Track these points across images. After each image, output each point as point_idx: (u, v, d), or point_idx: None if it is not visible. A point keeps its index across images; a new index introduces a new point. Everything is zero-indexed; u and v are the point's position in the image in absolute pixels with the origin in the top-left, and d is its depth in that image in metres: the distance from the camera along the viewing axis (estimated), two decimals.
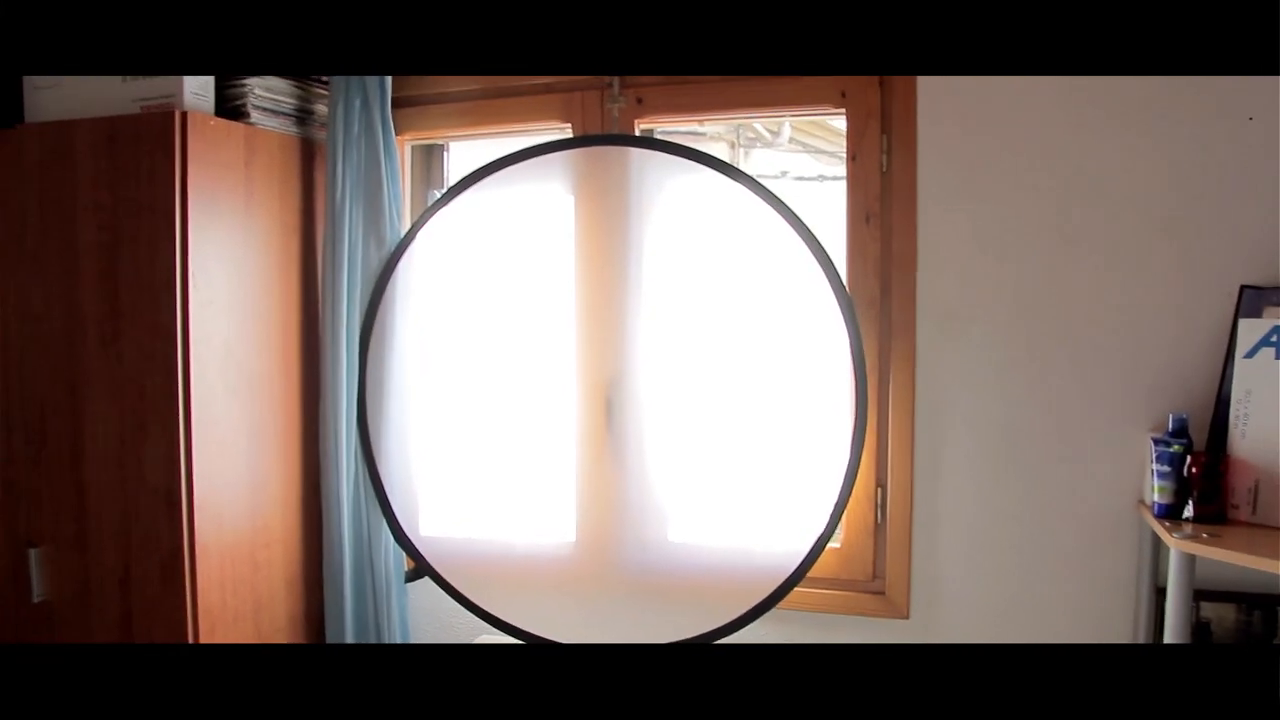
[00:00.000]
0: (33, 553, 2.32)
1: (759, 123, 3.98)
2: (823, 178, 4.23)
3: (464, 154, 2.92)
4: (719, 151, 3.79)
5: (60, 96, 2.32)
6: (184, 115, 2.19)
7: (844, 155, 2.40)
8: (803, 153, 4.25)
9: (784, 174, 4.20)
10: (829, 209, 2.50)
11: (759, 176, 2.37)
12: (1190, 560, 1.85)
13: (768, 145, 4.18)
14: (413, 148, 2.85)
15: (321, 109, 2.60)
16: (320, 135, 2.60)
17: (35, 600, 2.32)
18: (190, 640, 2.23)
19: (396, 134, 2.55)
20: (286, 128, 2.52)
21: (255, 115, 2.41)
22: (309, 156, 2.58)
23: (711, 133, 3.79)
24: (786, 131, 4.07)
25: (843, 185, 2.40)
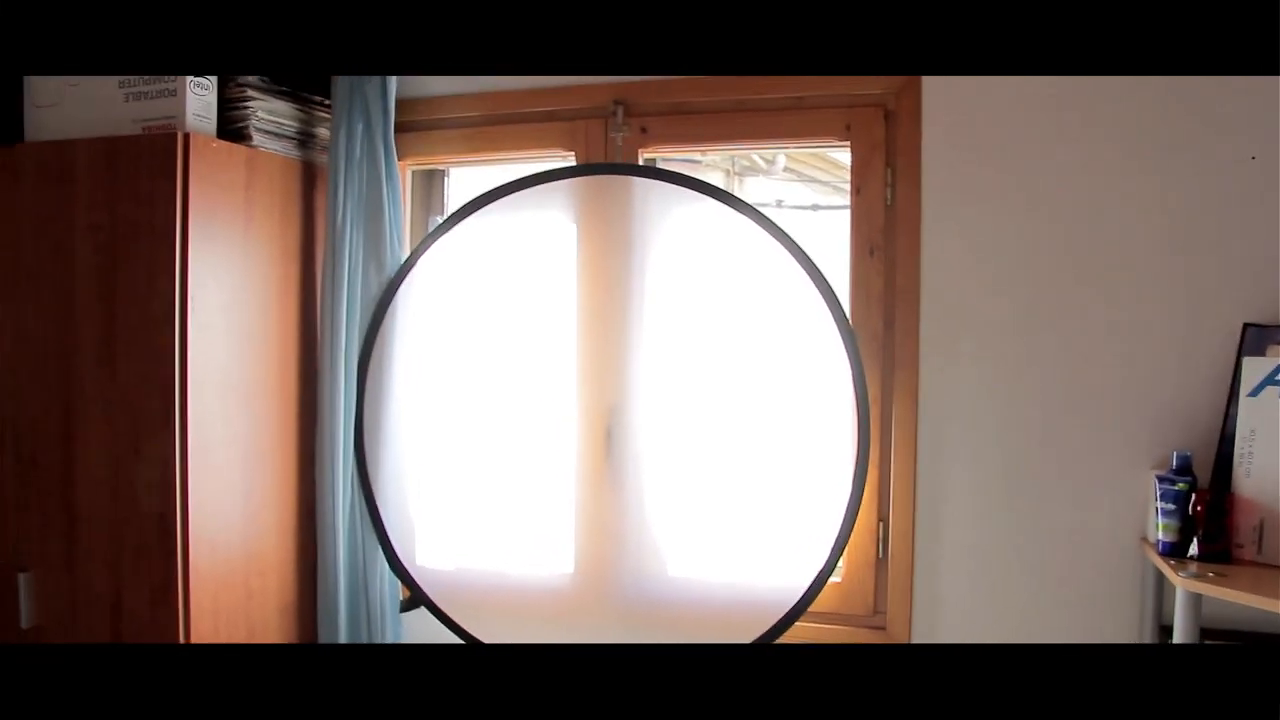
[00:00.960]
0: (22, 577, 2.28)
1: (755, 152, 3.99)
2: (817, 206, 4.24)
3: (465, 180, 2.91)
4: (715, 179, 3.78)
5: (61, 115, 2.30)
6: (186, 136, 2.18)
7: (838, 184, 2.41)
8: (797, 181, 4.26)
9: (779, 203, 4.21)
10: (823, 238, 2.50)
11: (756, 206, 2.37)
12: (1197, 599, 1.83)
13: (763, 174, 4.18)
14: (414, 173, 2.84)
15: (323, 132, 2.59)
16: (322, 159, 2.59)
17: (25, 626, 2.28)
18: None
19: (398, 159, 2.54)
20: (288, 151, 2.51)
21: (257, 138, 2.40)
22: (310, 180, 2.56)
23: (708, 161, 3.80)
24: (781, 160, 4.08)
25: (837, 214, 2.40)
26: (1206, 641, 2.04)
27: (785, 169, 4.14)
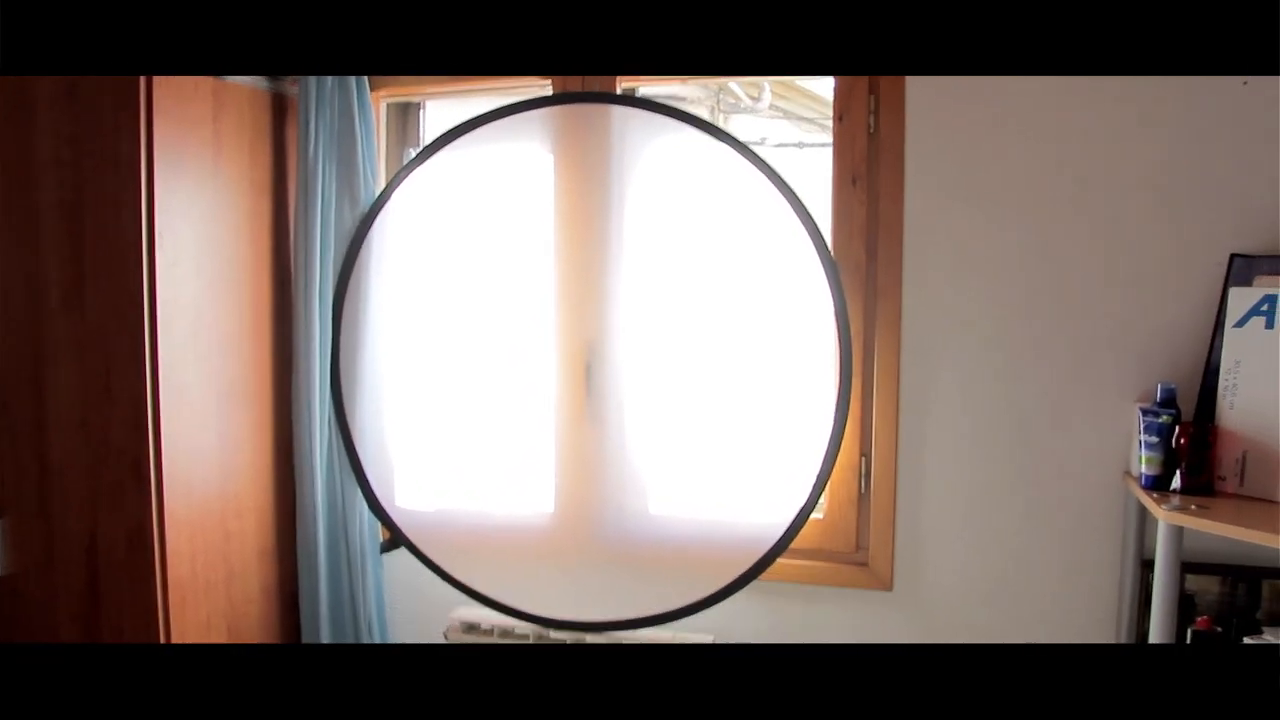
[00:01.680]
0: None
1: (738, 88, 3.92)
2: (802, 144, 4.20)
3: (441, 112, 2.85)
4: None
5: None
6: None
7: (824, 122, 2.36)
8: (782, 119, 4.21)
9: (763, 140, 4.16)
10: (809, 175, 2.45)
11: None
12: (1178, 532, 1.82)
13: (748, 111, 4.12)
14: (388, 105, 2.77)
15: None
16: (292, 90, 2.52)
17: (0, 573, 2.25)
18: (160, 610, 2.18)
19: (371, 90, 2.49)
20: (256, 82, 2.44)
21: None
22: (280, 112, 2.50)
23: (691, 97, 3.74)
24: (767, 97, 4.02)
25: (823, 152, 2.35)
26: (1187, 574, 2.04)
27: (770, 106, 4.08)
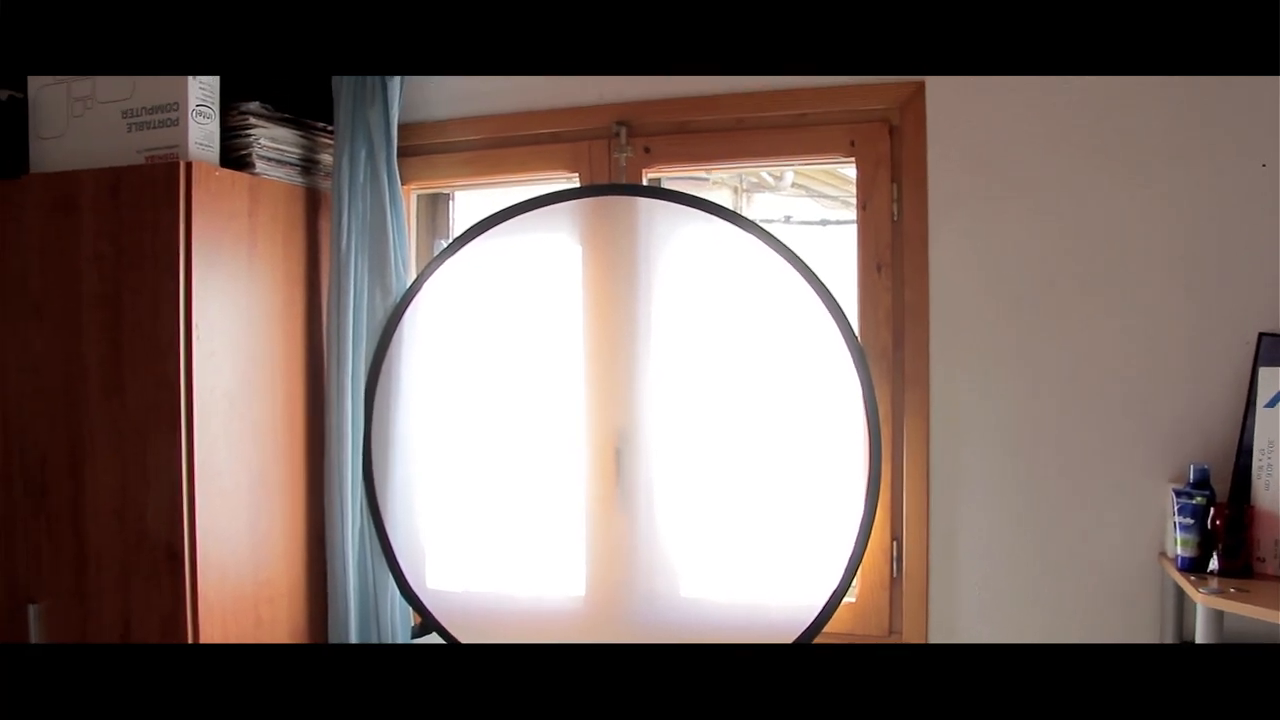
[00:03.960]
0: (32, 609, 2.27)
1: (761, 169, 3.98)
2: (825, 222, 4.24)
3: (469, 203, 2.91)
4: (722, 196, 3.80)
5: (64, 147, 2.32)
6: (188, 165, 2.18)
7: (847, 199, 2.39)
8: (805, 197, 4.26)
9: (788, 219, 4.21)
10: (833, 253, 2.48)
11: (762, 221, 2.36)
12: (1219, 616, 1.80)
13: (771, 190, 4.18)
14: (418, 197, 2.83)
15: (326, 158, 2.59)
16: (325, 184, 2.58)
17: None
18: None
19: (402, 183, 2.54)
20: (291, 177, 2.51)
21: (260, 165, 2.40)
22: (314, 206, 2.56)
23: (715, 178, 3.79)
24: (789, 176, 4.07)
25: (846, 229, 2.38)
26: None
27: (793, 184, 4.14)
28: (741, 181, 4.05)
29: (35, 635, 2.27)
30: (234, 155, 2.37)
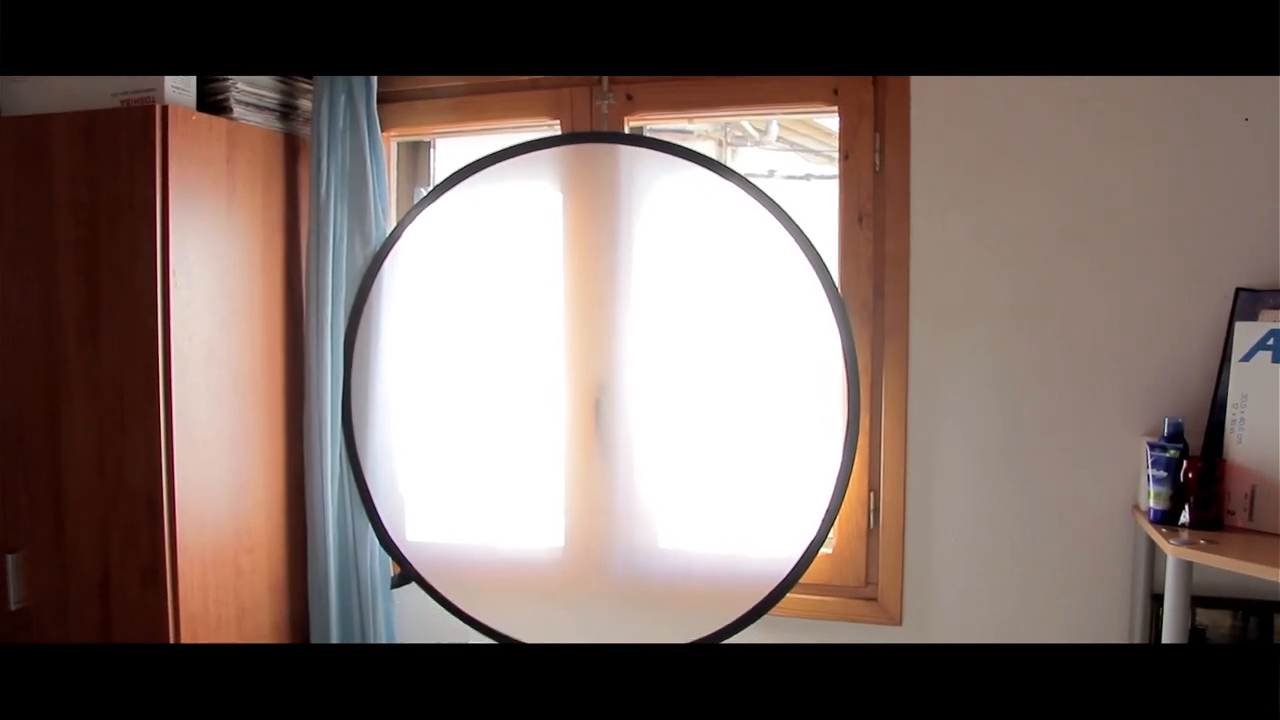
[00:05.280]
0: (10, 558, 2.27)
1: (747, 121, 3.95)
2: (810, 176, 4.21)
3: (450, 151, 2.88)
4: (707, 150, 3.76)
5: (37, 89, 2.26)
6: (164, 109, 2.15)
7: (832, 154, 2.38)
8: (790, 151, 4.23)
9: (771, 173, 4.18)
10: (817, 208, 2.47)
11: (747, 175, 2.34)
12: (1188, 567, 1.82)
13: (756, 144, 4.15)
14: (398, 144, 2.81)
15: (305, 104, 2.56)
16: (304, 131, 2.55)
17: (13, 607, 2.27)
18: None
19: (382, 130, 2.51)
20: (270, 123, 2.47)
21: (238, 110, 2.36)
22: (293, 152, 2.53)
23: (699, 131, 3.76)
24: (774, 130, 4.05)
25: (830, 184, 2.38)
26: (1198, 608, 2.04)
27: (778, 139, 4.11)
28: (726, 135, 4.02)
29: (14, 584, 2.27)
30: (211, 100, 2.34)
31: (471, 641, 2.55)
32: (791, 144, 4.19)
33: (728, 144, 4.07)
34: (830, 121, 2.37)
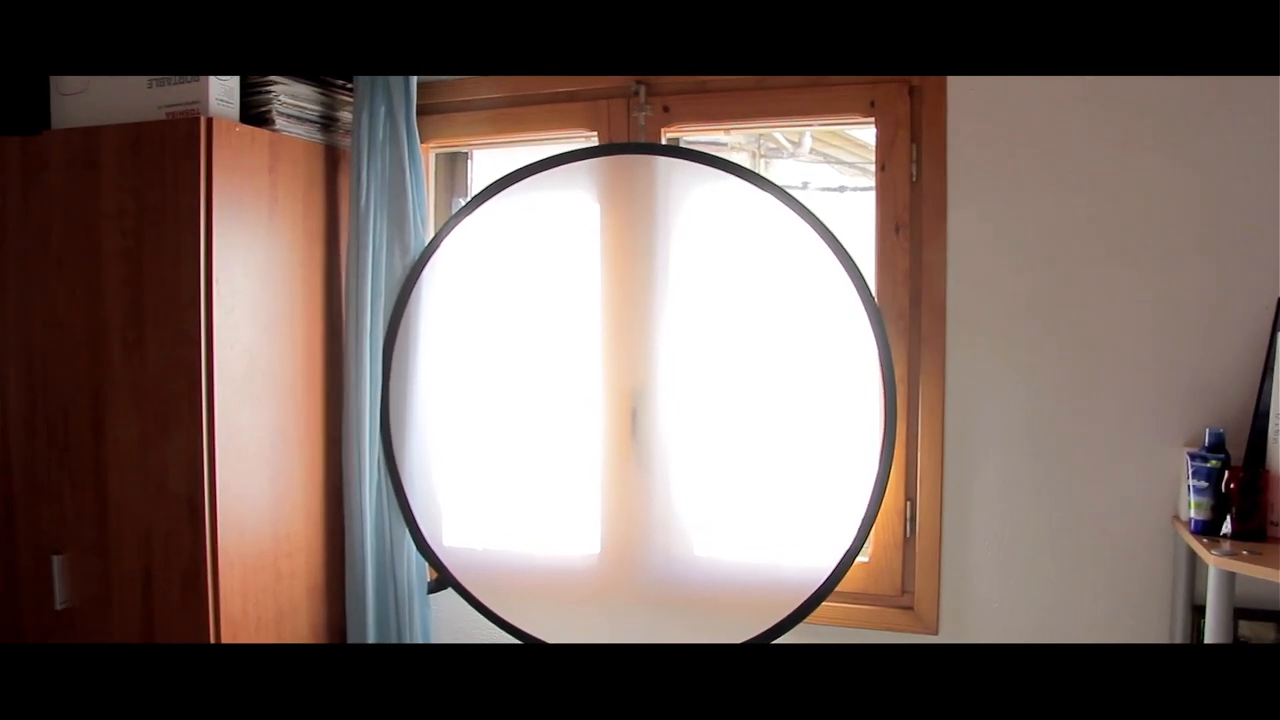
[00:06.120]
0: (56, 560, 2.31)
1: (780, 133, 3.96)
2: (844, 188, 4.22)
3: (488, 162, 2.91)
4: (740, 162, 3.78)
5: (86, 103, 2.32)
6: (209, 121, 2.18)
7: (865, 166, 2.38)
8: (823, 163, 4.23)
9: (805, 185, 4.19)
10: (851, 219, 2.48)
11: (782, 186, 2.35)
12: (1230, 578, 1.80)
13: (789, 156, 4.16)
14: (437, 155, 2.84)
15: (346, 116, 2.59)
16: (345, 142, 2.59)
17: (59, 607, 2.31)
18: None
19: (421, 141, 2.54)
20: (311, 134, 2.51)
21: (280, 122, 2.40)
22: (333, 163, 2.57)
23: (733, 143, 3.78)
24: (808, 142, 4.05)
25: (864, 196, 2.38)
26: (1240, 620, 2.02)
27: (811, 151, 4.12)
28: (759, 147, 4.04)
29: (59, 585, 2.30)
30: (254, 112, 2.38)
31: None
32: (825, 156, 4.19)
33: (761, 156, 4.08)
34: (864, 133, 2.37)
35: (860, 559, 2.34)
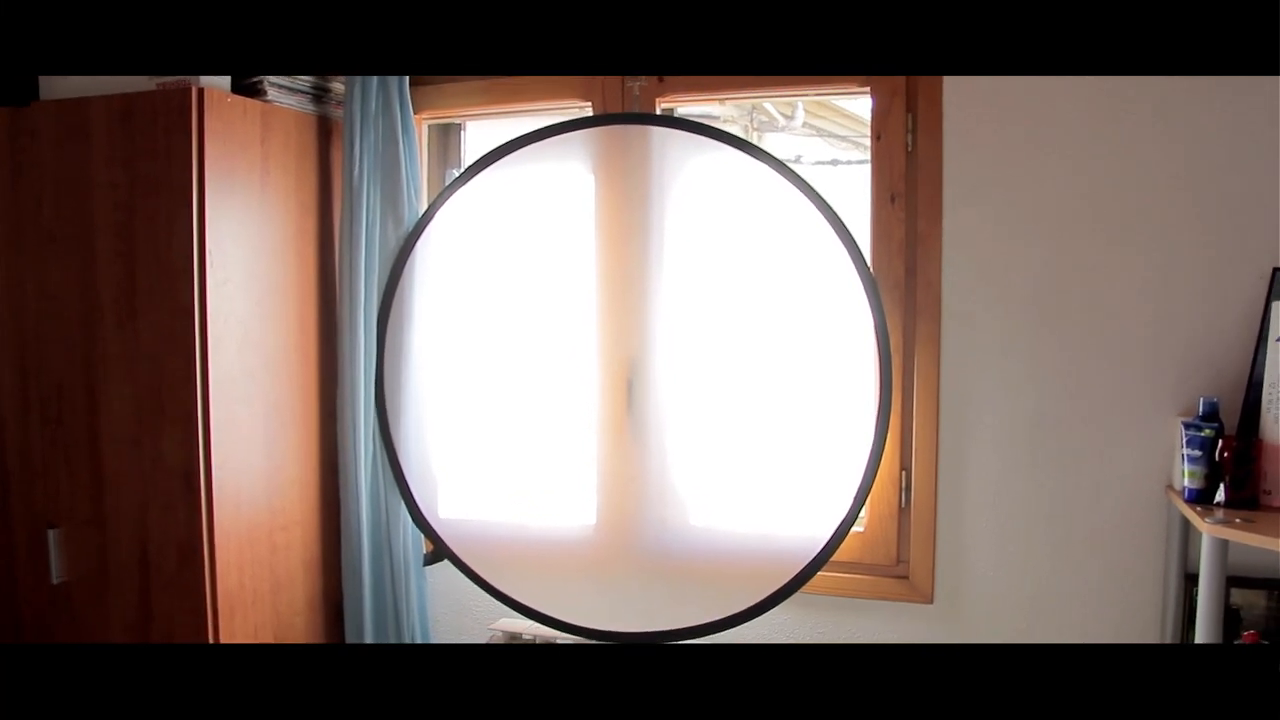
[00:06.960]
0: (52, 534, 2.31)
1: (772, 106, 3.95)
2: (836, 162, 4.21)
3: (481, 133, 2.89)
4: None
5: None
6: (200, 92, 2.17)
7: (858, 139, 2.38)
8: (816, 137, 4.22)
9: (798, 158, 4.18)
10: (843, 193, 2.47)
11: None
12: (1223, 546, 1.82)
13: (781, 129, 4.14)
14: (430, 126, 2.82)
15: (338, 87, 2.57)
16: (337, 113, 2.57)
17: (55, 581, 2.31)
18: (209, 620, 2.22)
19: (414, 112, 2.52)
20: (303, 105, 2.49)
21: (272, 93, 2.39)
22: (326, 134, 2.55)
23: (725, 115, 3.76)
24: (800, 115, 4.04)
25: (856, 169, 2.37)
26: (1232, 588, 2.03)
27: (804, 124, 4.10)
28: (752, 120, 4.02)
29: (55, 559, 2.30)
30: (245, 83, 2.36)
31: (502, 622, 2.57)
32: (817, 129, 4.18)
33: (754, 129, 4.07)
34: (857, 106, 2.36)
35: (856, 529, 2.35)
